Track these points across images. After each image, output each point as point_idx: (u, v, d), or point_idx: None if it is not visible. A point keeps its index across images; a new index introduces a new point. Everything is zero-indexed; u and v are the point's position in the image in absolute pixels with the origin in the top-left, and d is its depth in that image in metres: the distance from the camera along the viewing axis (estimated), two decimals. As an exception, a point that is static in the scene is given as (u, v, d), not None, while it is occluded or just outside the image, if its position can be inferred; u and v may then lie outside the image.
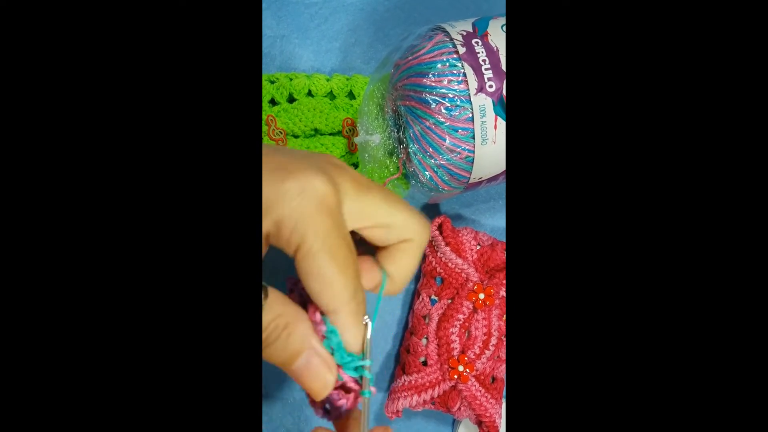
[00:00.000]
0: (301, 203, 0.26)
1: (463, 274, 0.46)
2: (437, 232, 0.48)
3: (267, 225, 0.26)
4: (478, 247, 0.48)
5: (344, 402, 0.29)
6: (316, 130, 0.48)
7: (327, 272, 0.26)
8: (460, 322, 0.45)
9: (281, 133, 0.47)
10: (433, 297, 0.47)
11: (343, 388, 0.29)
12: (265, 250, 0.27)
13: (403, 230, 0.30)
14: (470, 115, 0.39)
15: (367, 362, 0.29)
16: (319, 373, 0.28)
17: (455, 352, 0.45)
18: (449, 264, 0.47)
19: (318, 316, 0.28)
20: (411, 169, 0.43)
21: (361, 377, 0.29)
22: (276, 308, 0.27)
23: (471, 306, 0.46)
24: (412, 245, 0.31)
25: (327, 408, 0.30)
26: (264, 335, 0.27)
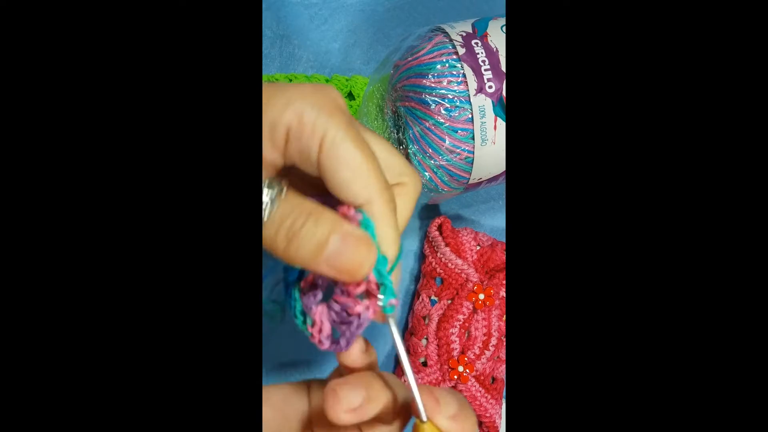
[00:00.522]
0: (318, 99, 0.26)
1: (462, 275, 0.46)
2: (437, 233, 0.48)
3: (288, 117, 0.25)
4: (478, 248, 0.48)
5: (361, 310, 0.26)
6: (315, 131, 0.48)
7: (357, 159, 0.25)
8: (460, 323, 0.45)
9: (281, 133, 0.47)
10: (432, 297, 0.47)
11: (365, 293, 0.26)
12: (283, 149, 0.26)
13: (399, 173, 0.29)
14: (470, 116, 0.40)
15: (388, 280, 0.26)
16: (358, 249, 0.25)
17: (455, 353, 0.45)
18: (449, 264, 0.47)
19: (351, 210, 0.26)
20: (411, 170, 0.43)
21: (382, 283, 0.26)
22: (296, 199, 0.25)
23: (471, 306, 0.46)
24: (406, 190, 0.29)
25: (337, 330, 0.27)
26: (287, 223, 0.25)
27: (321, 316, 0.27)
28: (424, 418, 0.26)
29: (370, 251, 0.25)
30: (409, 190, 0.30)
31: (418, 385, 0.26)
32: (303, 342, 0.30)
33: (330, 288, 0.27)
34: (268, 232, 0.25)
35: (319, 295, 0.27)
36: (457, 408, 0.27)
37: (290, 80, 0.49)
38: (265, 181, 0.25)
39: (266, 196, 0.25)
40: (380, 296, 0.26)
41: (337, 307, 0.26)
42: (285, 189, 0.25)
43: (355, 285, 0.26)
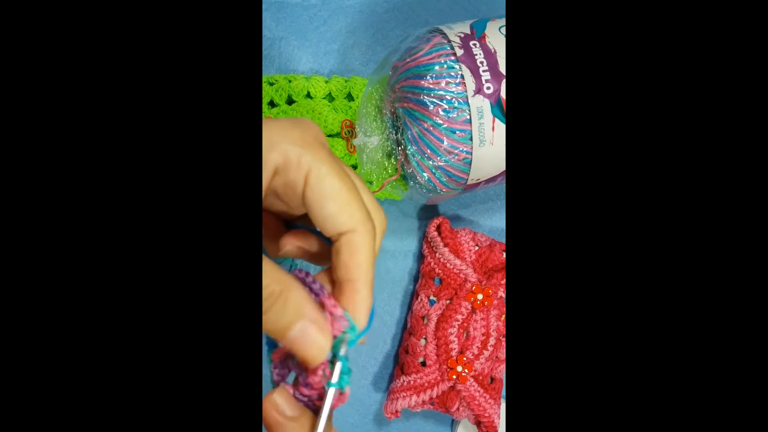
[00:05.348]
0: (299, 134, 0.27)
1: (461, 275, 0.46)
2: (435, 233, 0.48)
3: (274, 158, 0.27)
4: (477, 248, 0.48)
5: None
6: (314, 132, 0.48)
7: (342, 192, 0.27)
8: (459, 323, 0.46)
9: (280, 134, 0.47)
10: (431, 298, 0.47)
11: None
12: (269, 183, 0.27)
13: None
14: (468, 117, 0.40)
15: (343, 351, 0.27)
16: (316, 340, 0.27)
17: (454, 353, 0.45)
18: (448, 265, 0.47)
19: (339, 310, 0.27)
20: (409, 171, 0.43)
21: (334, 362, 0.27)
22: (270, 275, 0.26)
23: (469, 306, 0.46)
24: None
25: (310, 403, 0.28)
26: None
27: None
28: None
29: (325, 340, 0.27)
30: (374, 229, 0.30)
31: None
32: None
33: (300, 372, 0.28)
34: None
35: (287, 376, 0.29)
36: None
37: (289, 81, 0.49)
38: None
39: None
40: (334, 379, 0.27)
41: (300, 396, 0.28)
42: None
43: (317, 377, 0.27)
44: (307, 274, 0.28)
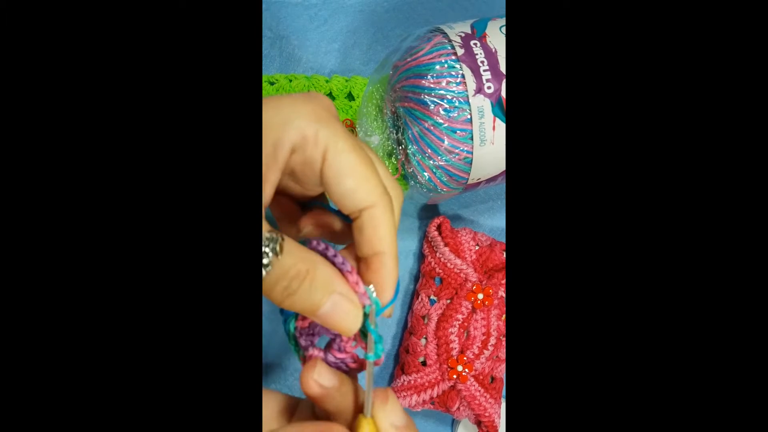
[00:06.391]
0: (312, 109, 0.27)
1: (461, 275, 0.46)
2: (436, 233, 0.48)
3: (291, 135, 0.26)
4: (477, 248, 0.48)
5: (358, 366, 0.29)
6: (315, 131, 0.48)
7: (359, 168, 0.27)
8: (459, 322, 0.46)
9: (280, 134, 0.47)
10: (432, 297, 0.47)
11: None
12: (286, 161, 0.27)
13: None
14: (468, 117, 0.40)
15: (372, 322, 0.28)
16: (349, 311, 0.27)
17: (454, 352, 0.45)
18: (448, 264, 0.47)
19: (361, 287, 0.28)
20: (410, 170, 0.43)
21: (366, 334, 0.28)
22: (295, 254, 0.26)
23: (470, 306, 0.46)
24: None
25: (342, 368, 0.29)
26: (283, 284, 0.26)
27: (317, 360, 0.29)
28: (368, 414, 0.27)
29: (357, 311, 0.27)
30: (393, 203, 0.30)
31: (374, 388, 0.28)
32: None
33: (326, 337, 0.29)
34: (266, 284, 0.26)
35: (316, 340, 0.29)
36: (404, 421, 0.28)
37: (290, 81, 0.49)
38: (264, 236, 0.25)
39: (265, 247, 0.25)
40: (369, 351, 0.28)
41: (333, 359, 0.29)
42: (281, 242, 0.26)
43: (349, 341, 0.28)
44: (327, 246, 0.28)
